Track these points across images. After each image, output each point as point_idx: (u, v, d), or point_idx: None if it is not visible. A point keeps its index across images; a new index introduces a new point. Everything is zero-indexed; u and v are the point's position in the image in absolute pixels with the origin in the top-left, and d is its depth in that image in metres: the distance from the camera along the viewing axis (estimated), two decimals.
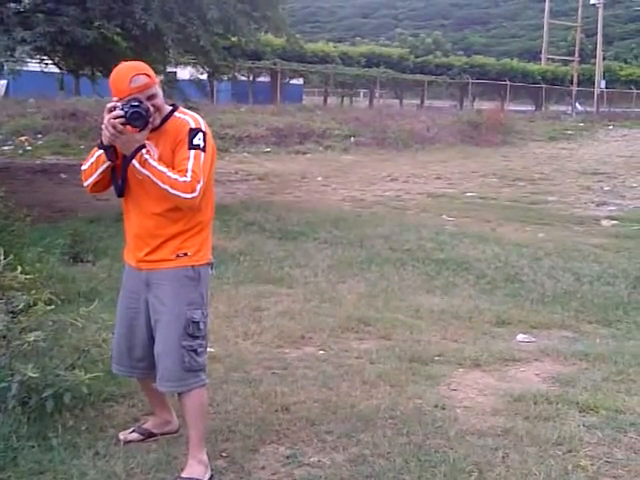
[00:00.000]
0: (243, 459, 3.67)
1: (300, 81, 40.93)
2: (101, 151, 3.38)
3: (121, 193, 3.48)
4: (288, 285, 7.33)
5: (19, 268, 4.44)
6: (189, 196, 3.28)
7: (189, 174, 3.28)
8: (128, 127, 3.25)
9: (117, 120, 3.22)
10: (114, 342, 3.74)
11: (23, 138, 19.69)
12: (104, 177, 3.46)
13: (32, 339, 3.89)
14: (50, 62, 14.95)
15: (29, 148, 19.05)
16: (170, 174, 3.28)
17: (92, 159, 3.43)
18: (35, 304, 4.14)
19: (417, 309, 6.62)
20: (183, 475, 3.45)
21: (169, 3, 10.56)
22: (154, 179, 3.29)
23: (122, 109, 3.22)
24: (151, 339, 3.52)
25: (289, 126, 24.28)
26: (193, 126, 3.39)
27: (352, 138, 24.67)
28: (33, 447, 3.64)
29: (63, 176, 14.82)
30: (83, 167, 3.49)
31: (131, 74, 3.31)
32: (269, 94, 34.70)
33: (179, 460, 3.61)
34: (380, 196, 14.50)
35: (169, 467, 3.57)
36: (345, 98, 43.53)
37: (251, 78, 35.48)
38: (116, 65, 3.42)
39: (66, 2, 10.43)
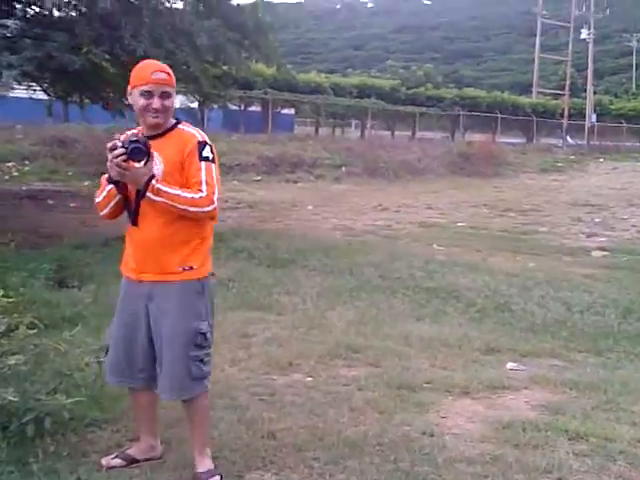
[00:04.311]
0: None
1: (292, 111, 41.10)
2: (111, 185, 3.48)
3: (135, 222, 3.54)
4: (277, 312, 7.28)
5: (1, 292, 4.39)
6: (209, 208, 3.42)
7: (204, 187, 3.41)
8: (131, 162, 3.32)
9: (119, 158, 3.32)
10: (110, 356, 3.73)
11: (10, 164, 19.60)
12: (117, 206, 3.58)
13: (13, 362, 3.85)
14: (38, 88, 14.94)
15: (16, 174, 18.96)
16: (185, 194, 3.39)
17: (104, 193, 3.55)
18: (17, 328, 4.10)
19: (406, 337, 6.56)
20: (199, 470, 3.57)
21: (158, 29, 10.59)
22: (171, 203, 3.38)
23: (123, 146, 3.31)
24: (151, 349, 3.56)
25: (280, 155, 24.34)
26: (200, 139, 3.52)
27: (343, 168, 24.72)
28: (13, 472, 3.57)
29: (50, 202, 14.76)
30: (97, 199, 3.62)
31: (155, 68, 3.51)
32: (260, 123, 34.81)
33: None
34: (371, 225, 14.47)
35: None
36: (337, 128, 43.78)
37: (242, 107, 35.61)
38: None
39: (54, 27, 10.45)
